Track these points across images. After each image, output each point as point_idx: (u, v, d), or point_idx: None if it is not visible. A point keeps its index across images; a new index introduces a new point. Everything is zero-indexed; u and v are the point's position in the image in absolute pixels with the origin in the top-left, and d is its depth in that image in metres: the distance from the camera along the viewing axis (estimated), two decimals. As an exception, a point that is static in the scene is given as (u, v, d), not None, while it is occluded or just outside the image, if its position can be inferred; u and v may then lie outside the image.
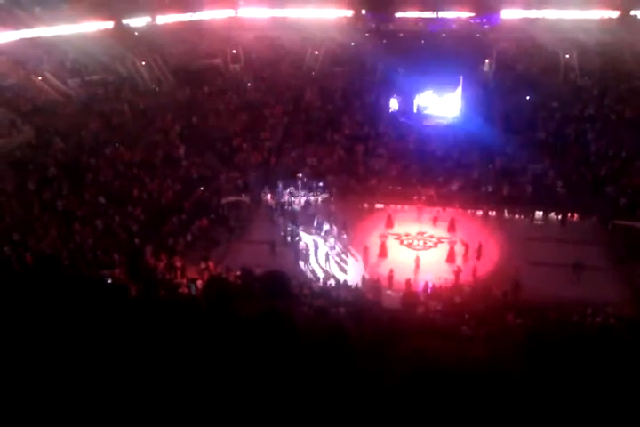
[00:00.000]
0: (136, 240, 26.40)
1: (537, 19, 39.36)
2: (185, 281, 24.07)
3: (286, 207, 31.07)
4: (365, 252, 26.78)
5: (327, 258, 27.07)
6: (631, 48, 38.69)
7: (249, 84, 40.76)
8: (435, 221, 29.36)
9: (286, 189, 31.79)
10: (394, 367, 3.23)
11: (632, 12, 38.09)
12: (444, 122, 35.86)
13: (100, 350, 3.89)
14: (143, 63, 40.10)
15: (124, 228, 27.28)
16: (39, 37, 35.66)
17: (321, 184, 32.23)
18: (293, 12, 41.75)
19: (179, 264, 25.12)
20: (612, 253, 26.57)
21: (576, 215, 29.77)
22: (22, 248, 24.42)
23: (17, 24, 34.81)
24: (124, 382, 3.60)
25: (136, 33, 40.26)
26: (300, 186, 31.91)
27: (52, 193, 28.87)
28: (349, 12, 41.69)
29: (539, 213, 30.40)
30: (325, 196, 31.91)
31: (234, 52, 42.59)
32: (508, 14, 39.80)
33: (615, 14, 38.38)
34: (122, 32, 39.04)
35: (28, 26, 35.18)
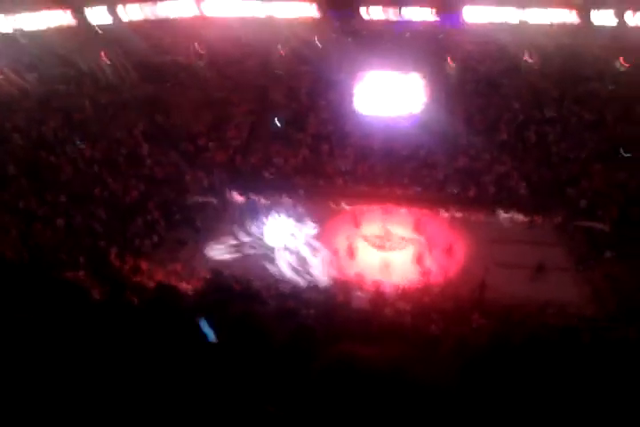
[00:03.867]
0: (100, 241, 25.88)
1: (500, 23, 39.98)
2: (151, 284, 23.73)
3: (253, 207, 30.89)
4: (333, 253, 26.86)
5: (295, 259, 27.06)
6: (590, 51, 39.62)
7: (213, 82, 40.27)
8: (402, 222, 29.63)
9: (253, 188, 31.60)
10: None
11: (591, 17, 39.00)
12: (408, 122, 36.08)
13: (61, 353, 3.80)
14: (104, 58, 39.21)
15: (87, 228, 26.72)
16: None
17: (287, 184, 32.14)
18: (259, 10, 41.40)
19: (145, 266, 24.76)
20: (574, 253, 27.28)
21: (539, 217, 30.39)
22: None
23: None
24: (85, 384, 3.51)
25: (97, 27, 39.29)
26: (266, 186, 31.77)
27: (12, 192, 28.06)
28: (314, 11, 41.57)
29: (503, 215, 30.92)
30: (292, 196, 31.80)
31: (197, 48, 41.98)
32: (471, 17, 40.30)
33: (575, 18, 39.24)
34: (83, 25, 38.10)
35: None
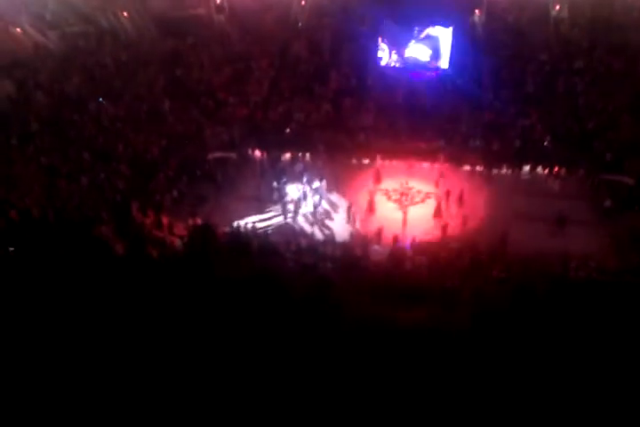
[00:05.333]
0: (122, 197, 26.23)
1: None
2: (172, 238, 24.12)
3: (273, 163, 30.88)
4: (353, 207, 26.85)
5: (315, 214, 27.15)
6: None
7: (233, 36, 39.72)
8: (423, 176, 29.42)
9: (273, 144, 31.51)
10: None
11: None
12: (433, 74, 35.33)
13: (88, 305, 3.90)
14: (125, 14, 38.88)
15: (110, 184, 27.06)
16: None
17: (308, 139, 31.94)
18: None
19: (166, 221, 25.11)
20: (597, 207, 26.84)
21: (563, 169, 29.81)
22: (7, 205, 24.23)
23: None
24: (109, 336, 3.60)
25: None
26: (287, 141, 31.65)
27: (35, 149, 28.46)
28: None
29: (526, 168, 30.41)
30: (312, 151, 31.62)
31: (218, 1, 41.29)
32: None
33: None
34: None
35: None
